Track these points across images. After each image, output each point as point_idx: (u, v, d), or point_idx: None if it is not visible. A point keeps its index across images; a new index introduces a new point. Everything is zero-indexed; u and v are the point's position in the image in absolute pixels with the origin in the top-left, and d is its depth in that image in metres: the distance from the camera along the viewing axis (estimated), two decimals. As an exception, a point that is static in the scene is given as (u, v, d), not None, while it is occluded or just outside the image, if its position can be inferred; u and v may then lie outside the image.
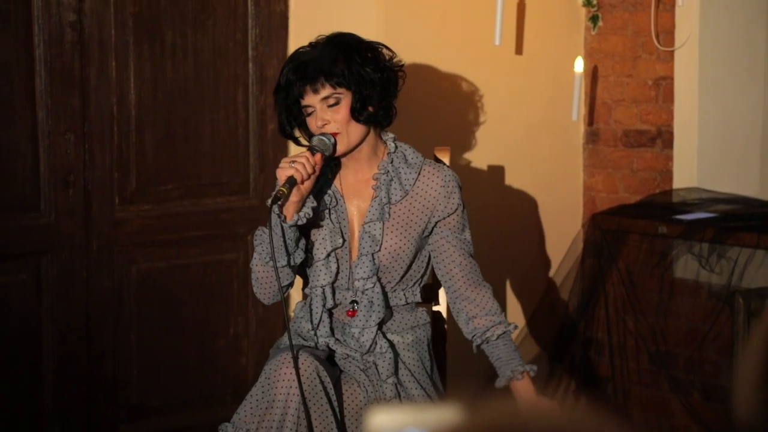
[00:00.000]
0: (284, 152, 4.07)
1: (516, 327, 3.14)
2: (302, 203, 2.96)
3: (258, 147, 4.08)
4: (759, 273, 4.01)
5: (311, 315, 3.08)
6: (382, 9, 4.09)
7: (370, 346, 3.04)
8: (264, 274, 3.05)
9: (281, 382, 2.91)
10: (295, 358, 2.91)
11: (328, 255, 3.06)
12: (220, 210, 4.05)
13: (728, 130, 4.42)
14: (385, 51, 3.11)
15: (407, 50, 3.20)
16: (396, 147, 3.13)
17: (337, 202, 3.10)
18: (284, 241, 2.97)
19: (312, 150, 2.99)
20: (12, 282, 3.74)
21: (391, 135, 3.15)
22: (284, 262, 2.99)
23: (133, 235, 3.91)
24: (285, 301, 3.04)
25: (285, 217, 2.95)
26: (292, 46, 4.06)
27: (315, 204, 3.01)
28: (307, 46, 3.09)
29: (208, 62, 3.98)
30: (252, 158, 4.09)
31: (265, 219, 2.96)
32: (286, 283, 3.03)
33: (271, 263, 3.00)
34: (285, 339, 3.15)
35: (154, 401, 3.98)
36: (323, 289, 3.06)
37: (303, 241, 3.03)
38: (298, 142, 3.15)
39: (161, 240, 3.96)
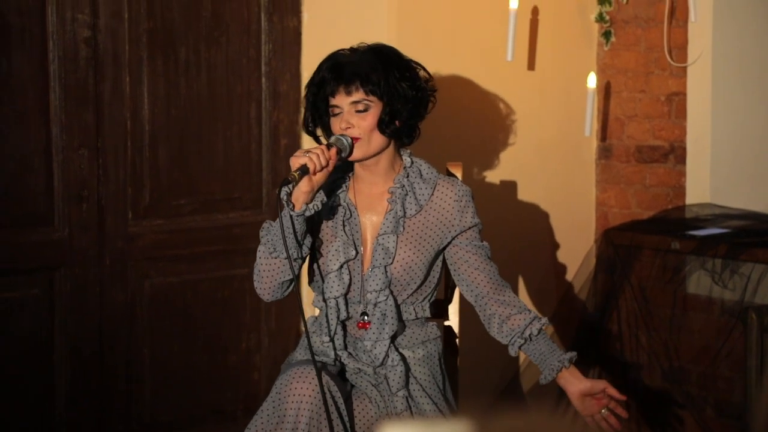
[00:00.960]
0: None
1: (547, 319, 3.16)
2: (312, 195, 2.97)
3: (271, 162, 4.10)
4: (772, 289, 4.00)
5: (328, 327, 3.08)
6: (394, 25, 4.10)
7: (383, 359, 3.05)
8: (267, 267, 3.03)
9: (292, 396, 2.91)
10: (319, 371, 2.91)
11: (341, 266, 3.06)
12: (232, 225, 4.06)
13: (741, 146, 4.42)
14: (422, 72, 3.13)
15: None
16: (412, 162, 3.14)
17: (351, 215, 3.10)
18: (293, 231, 2.96)
19: (328, 145, 3.00)
20: (25, 296, 3.75)
21: (407, 150, 3.16)
22: (291, 254, 2.98)
23: (146, 250, 3.92)
24: (297, 293, 3.05)
25: (294, 206, 2.95)
26: (305, 61, 4.07)
27: (325, 199, 3.00)
28: (347, 50, 3.11)
29: (222, 78, 4.00)
30: (265, 173, 4.10)
31: (274, 216, 2.96)
32: (288, 277, 3.02)
33: (274, 254, 2.99)
34: (297, 354, 3.16)
35: (166, 416, 3.98)
36: (336, 301, 3.07)
37: (309, 239, 3.02)
38: (318, 141, 3.16)
39: (174, 255, 3.97)
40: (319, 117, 3.11)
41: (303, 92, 3.18)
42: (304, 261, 3.08)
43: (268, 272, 3.03)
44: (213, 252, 4.04)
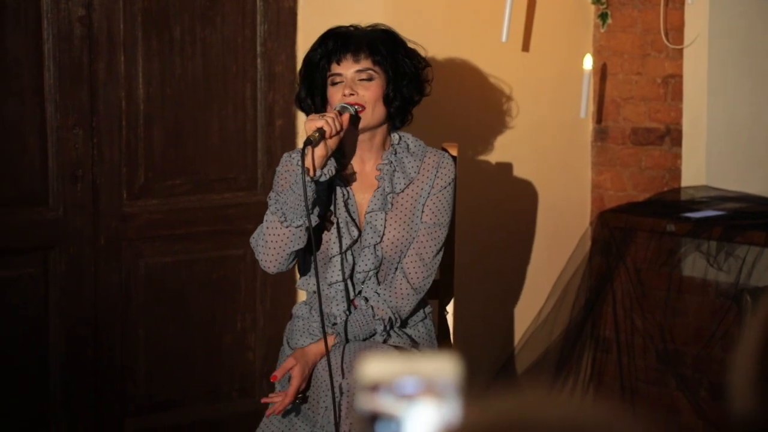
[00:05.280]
0: (292, 147, 4.07)
1: (385, 333, 3.07)
2: (326, 161, 2.92)
3: (266, 143, 4.08)
4: (767, 271, 4.00)
5: (321, 313, 3.05)
6: (390, 4, 4.09)
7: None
8: (275, 236, 2.95)
9: None
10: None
11: (347, 249, 3.03)
12: (227, 205, 4.05)
13: (737, 128, 4.41)
14: (422, 59, 3.16)
15: (414, 46, 3.21)
16: (399, 138, 3.13)
17: (347, 194, 3.08)
18: (305, 198, 2.90)
19: (339, 111, 2.96)
20: (20, 276, 3.74)
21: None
22: (303, 222, 2.92)
23: (140, 230, 3.91)
24: (314, 260, 2.97)
25: (308, 170, 2.89)
26: (301, 42, 4.06)
27: (337, 167, 2.95)
28: (350, 26, 3.12)
29: (217, 58, 3.99)
30: (260, 154, 4.09)
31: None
32: (299, 246, 2.96)
33: (285, 223, 2.92)
34: (296, 339, 3.14)
35: (161, 396, 3.98)
36: (345, 283, 3.05)
37: (318, 209, 2.97)
38: (308, 113, 3.13)
39: (169, 235, 3.96)
40: (314, 91, 3.08)
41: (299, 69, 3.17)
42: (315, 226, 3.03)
43: (277, 242, 2.96)
44: (208, 232, 4.03)
